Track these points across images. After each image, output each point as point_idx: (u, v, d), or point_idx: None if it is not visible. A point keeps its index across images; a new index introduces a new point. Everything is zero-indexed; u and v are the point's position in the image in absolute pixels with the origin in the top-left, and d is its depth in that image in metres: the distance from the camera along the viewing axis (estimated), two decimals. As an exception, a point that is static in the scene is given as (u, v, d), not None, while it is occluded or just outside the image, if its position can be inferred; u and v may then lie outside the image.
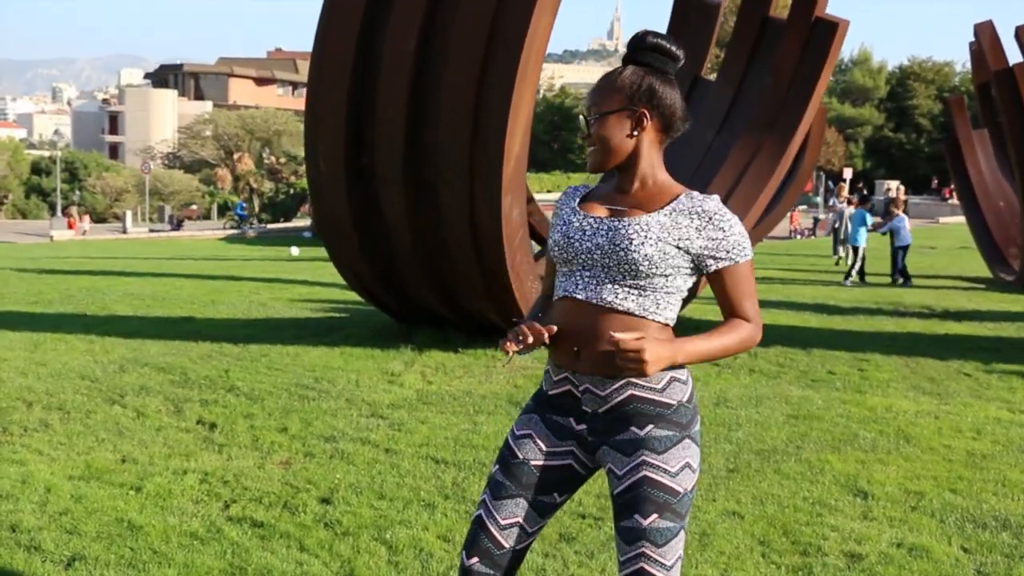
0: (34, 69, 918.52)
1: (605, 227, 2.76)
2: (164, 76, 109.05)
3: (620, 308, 2.73)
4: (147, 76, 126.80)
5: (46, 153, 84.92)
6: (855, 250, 20.01)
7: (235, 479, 5.64)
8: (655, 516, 2.69)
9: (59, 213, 59.73)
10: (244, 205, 58.42)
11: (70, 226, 49.22)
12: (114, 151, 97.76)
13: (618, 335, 2.55)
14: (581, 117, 2.85)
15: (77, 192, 77.56)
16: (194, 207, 66.39)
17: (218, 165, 72.78)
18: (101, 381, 8.10)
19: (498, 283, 8.90)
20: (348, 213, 9.34)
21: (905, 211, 21.26)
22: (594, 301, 2.74)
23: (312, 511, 5.15)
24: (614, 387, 2.75)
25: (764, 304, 14.05)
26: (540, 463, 2.84)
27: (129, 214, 52.30)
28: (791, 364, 9.64)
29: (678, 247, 2.71)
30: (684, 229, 2.72)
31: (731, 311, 2.80)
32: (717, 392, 8.21)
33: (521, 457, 2.84)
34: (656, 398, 2.75)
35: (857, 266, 19.75)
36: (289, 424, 6.87)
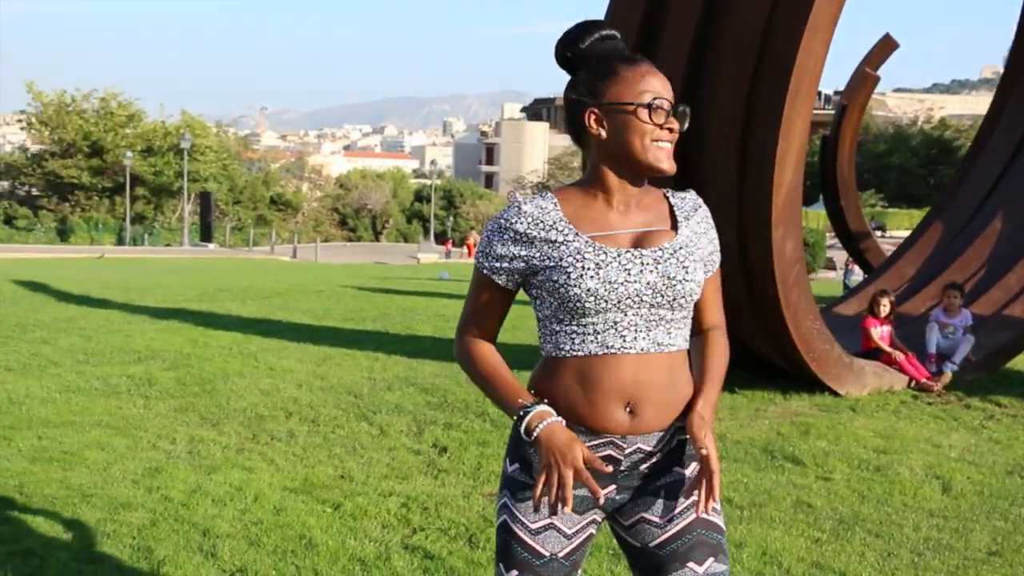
0: (429, 105, 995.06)
1: (651, 260, 2.33)
2: (538, 109, 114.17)
3: (673, 348, 2.38)
4: (523, 110, 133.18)
5: (427, 182, 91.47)
6: None
7: (435, 506, 5.52)
8: (711, 560, 2.38)
9: (431, 238, 63.85)
10: None
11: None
12: (489, 180, 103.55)
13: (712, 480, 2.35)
14: (676, 107, 2.35)
15: (450, 218, 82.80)
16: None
17: (581, 195, 74.93)
18: (364, 397, 8.35)
19: (773, 322, 8.29)
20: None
21: None
22: (652, 350, 2.34)
23: (492, 547, 4.92)
24: (667, 437, 2.41)
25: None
26: (569, 549, 2.41)
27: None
28: None
29: (703, 258, 2.45)
30: (700, 236, 2.45)
31: (709, 321, 2.54)
32: (1017, 459, 7.12)
33: (548, 554, 2.38)
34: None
35: None
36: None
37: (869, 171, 69.68)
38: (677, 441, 2.42)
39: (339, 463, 6.38)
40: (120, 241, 52.52)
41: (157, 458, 6.30)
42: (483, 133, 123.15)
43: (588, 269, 2.29)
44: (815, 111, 8.49)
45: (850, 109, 18.75)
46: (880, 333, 9.84)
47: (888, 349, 9.73)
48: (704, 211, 2.48)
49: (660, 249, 2.34)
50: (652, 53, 8.29)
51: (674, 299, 2.33)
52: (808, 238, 31.30)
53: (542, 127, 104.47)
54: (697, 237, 2.43)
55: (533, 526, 2.39)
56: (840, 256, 35.25)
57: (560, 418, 2.32)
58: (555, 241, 2.34)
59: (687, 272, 2.33)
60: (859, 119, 19.31)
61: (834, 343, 8.74)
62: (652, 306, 2.32)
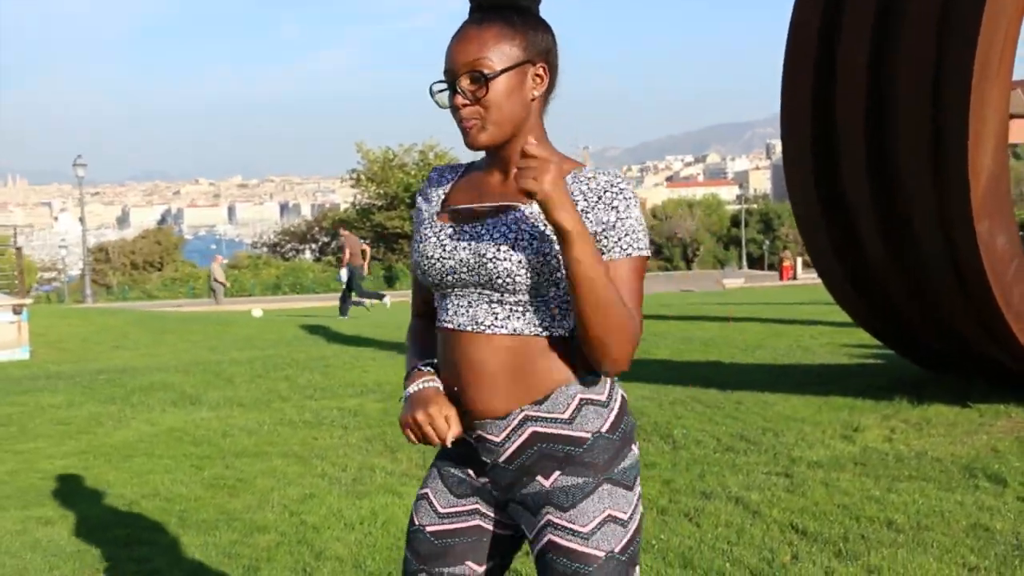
0: (752, 129, 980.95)
1: (467, 236, 2.19)
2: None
3: (504, 330, 2.15)
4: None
5: (742, 207, 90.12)
6: None
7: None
8: None
9: (743, 263, 62.53)
10: None
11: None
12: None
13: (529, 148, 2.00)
14: (460, 79, 2.15)
15: (767, 242, 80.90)
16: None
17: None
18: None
19: (997, 327, 7.40)
20: (828, 247, 8.49)
21: None
22: (469, 328, 2.18)
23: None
24: (510, 427, 2.18)
25: None
26: (439, 529, 2.29)
27: (800, 261, 53.09)
28: None
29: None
30: None
31: None
32: None
33: (417, 523, 2.33)
34: (563, 432, 2.15)
35: None
36: (679, 477, 6.36)
37: None
38: (530, 433, 2.15)
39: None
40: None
41: (319, 484, 6.53)
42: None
43: (417, 243, 2.27)
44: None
45: None
46: None
47: None
48: (596, 193, 2.12)
49: (482, 224, 2.19)
50: (837, 46, 7.75)
51: (490, 281, 2.14)
52: None
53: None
54: None
55: (418, 493, 2.36)
56: None
57: (439, 385, 2.24)
58: (423, 210, 2.36)
59: (498, 252, 2.12)
60: None
61: (1079, 347, 7.67)
62: (475, 286, 2.18)
